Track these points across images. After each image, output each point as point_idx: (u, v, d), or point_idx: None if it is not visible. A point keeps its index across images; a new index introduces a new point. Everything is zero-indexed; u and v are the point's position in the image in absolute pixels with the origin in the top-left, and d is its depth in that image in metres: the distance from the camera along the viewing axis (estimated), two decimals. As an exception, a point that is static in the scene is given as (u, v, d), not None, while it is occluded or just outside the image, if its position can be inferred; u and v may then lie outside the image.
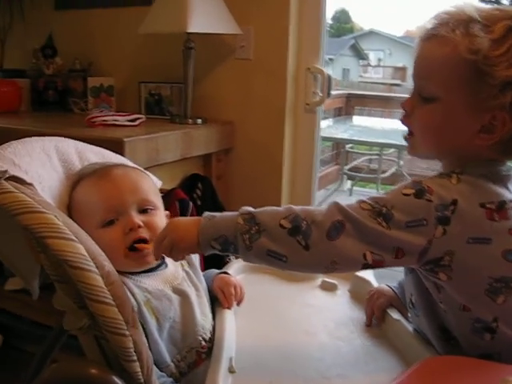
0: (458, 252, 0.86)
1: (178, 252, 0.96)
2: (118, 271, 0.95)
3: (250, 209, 0.93)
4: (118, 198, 1.03)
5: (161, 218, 1.09)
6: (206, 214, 0.95)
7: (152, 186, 1.13)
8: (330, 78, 2.12)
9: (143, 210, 1.05)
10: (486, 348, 0.92)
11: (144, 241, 1.02)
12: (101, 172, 1.09)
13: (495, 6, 0.93)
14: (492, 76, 0.85)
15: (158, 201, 1.10)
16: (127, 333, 0.82)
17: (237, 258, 1.03)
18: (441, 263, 0.88)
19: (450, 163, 0.96)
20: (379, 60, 18.96)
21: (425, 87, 0.94)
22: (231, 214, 0.94)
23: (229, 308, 1.13)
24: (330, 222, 0.86)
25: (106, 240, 0.99)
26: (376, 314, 1.16)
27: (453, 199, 0.86)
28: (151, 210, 1.07)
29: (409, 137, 0.99)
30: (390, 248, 0.86)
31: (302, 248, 0.86)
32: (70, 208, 1.07)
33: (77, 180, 1.10)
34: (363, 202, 0.89)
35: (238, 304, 1.17)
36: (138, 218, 1.03)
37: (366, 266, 0.88)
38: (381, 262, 0.87)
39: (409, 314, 1.11)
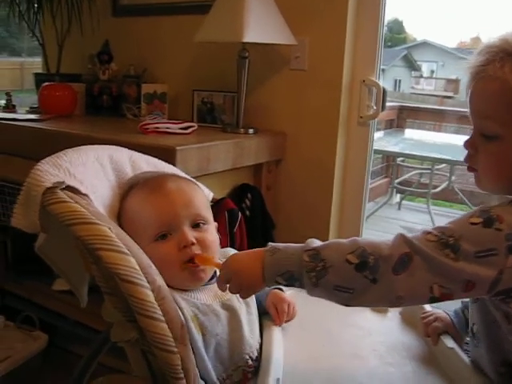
0: None
1: (248, 293, 0.97)
2: (168, 286, 0.95)
3: (315, 243, 0.92)
4: (171, 213, 1.02)
5: (212, 232, 1.08)
6: (269, 246, 0.94)
7: (204, 199, 1.13)
8: (385, 91, 2.08)
9: (195, 225, 1.05)
10: None
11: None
12: (154, 184, 1.08)
13: None
14: None
15: (209, 214, 1.10)
16: (175, 350, 0.81)
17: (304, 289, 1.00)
18: None
19: None
20: (432, 72, 18.65)
21: (485, 126, 0.91)
22: (295, 247, 0.92)
23: (280, 325, 1.12)
24: (397, 256, 0.84)
25: (159, 254, 0.99)
26: (431, 337, 1.13)
27: None
28: (203, 224, 1.06)
29: (475, 173, 0.97)
30: (458, 280, 0.83)
31: (370, 282, 0.84)
32: (120, 217, 1.07)
33: (128, 189, 1.10)
34: (429, 232, 0.86)
35: (288, 321, 1.15)
36: (192, 235, 1.02)
37: (433, 300, 0.85)
38: (449, 295, 0.84)
39: (466, 344, 1.07)
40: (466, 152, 0.97)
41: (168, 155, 1.60)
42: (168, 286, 0.96)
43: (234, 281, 0.94)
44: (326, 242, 0.91)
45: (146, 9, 2.51)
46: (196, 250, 1.02)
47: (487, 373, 0.97)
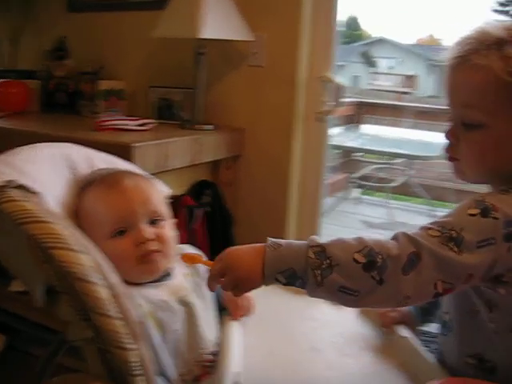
0: None
1: (242, 290, 0.93)
2: (123, 281, 0.95)
3: (319, 239, 0.89)
4: (128, 210, 1.02)
5: (170, 228, 1.08)
6: (270, 241, 0.91)
7: (161, 196, 1.13)
8: (341, 87, 2.10)
9: (153, 221, 1.05)
10: None
11: None
12: (111, 181, 1.07)
13: None
14: None
15: (166, 211, 1.10)
16: (132, 347, 0.81)
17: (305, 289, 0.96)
18: (502, 279, 0.87)
19: (500, 182, 0.93)
20: (389, 68, 18.94)
21: (468, 115, 0.92)
22: (298, 243, 0.89)
23: (238, 320, 1.12)
24: (405, 256, 0.83)
25: (116, 251, 0.99)
26: (387, 327, 1.15)
27: None
28: (160, 220, 1.06)
29: (456, 163, 0.98)
30: (462, 275, 0.84)
31: (376, 283, 0.82)
32: (77, 216, 1.06)
33: (84, 186, 1.09)
34: (429, 228, 0.86)
35: (246, 316, 1.15)
36: (149, 231, 1.02)
37: (436, 296, 0.85)
38: (450, 289, 0.85)
39: (423, 334, 1.09)
40: (445, 142, 0.98)
41: (125, 152, 1.59)
42: (125, 281, 0.96)
43: (230, 276, 0.90)
44: (331, 239, 0.89)
45: (103, 4, 2.48)
46: (153, 245, 1.02)
47: (452, 362, 0.98)
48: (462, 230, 0.84)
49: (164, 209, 1.09)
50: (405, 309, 1.17)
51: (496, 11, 16.94)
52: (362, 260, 0.83)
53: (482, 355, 0.93)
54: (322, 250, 0.86)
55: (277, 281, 0.88)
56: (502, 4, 16.68)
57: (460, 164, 0.97)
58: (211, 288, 0.97)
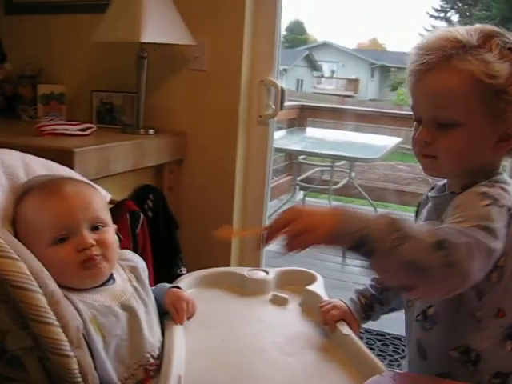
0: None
1: (307, 241, 0.85)
2: (64, 287, 0.95)
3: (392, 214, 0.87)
4: (69, 216, 1.02)
5: (112, 233, 1.08)
6: (342, 206, 0.90)
7: (102, 202, 1.12)
8: (283, 90, 2.13)
9: (94, 227, 1.04)
10: (505, 361, 0.95)
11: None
12: (51, 187, 1.06)
13: (477, 25, 1.00)
14: (507, 93, 0.93)
15: (108, 217, 1.10)
16: (71, 354, 0.80)
17: (371, 257, 0.84)
18: (497, 264, 0.90)
19: (474, 175, 0.98)
20: (332, 72, 19.24)
21: (444, 116, 0.96)
22: (372, 213, 0.89)
23: (180, 323, 1.12)
24: (463, 244, 0.82)
25: (58, 257, 0.98)
26: (328, 325, 1.17)
27: (510, 204, 0.91)
28: (102, 227, 1.06)
29: (430, 160, 1.01)
30: (494, 260, 0.87)
31: (443, 265, 0.80)
32: (16, 223, 1.04)
33: (23, 193, 1.07)
34: (460, 222, 0.86)
35: (189, 318, 1.16)
36: (90, 237, 1.02)
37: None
38: (481, 278, 0.87)
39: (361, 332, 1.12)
40: (420, 141, 1.00)
41: (66, 157, 1.57)
42: (67, 288, 0.97)
43: (298, 223, 0.84)
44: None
45: (41, 7, 2.43)
46: (95, 250, 1.02)
47: (434, 358, 1.00)
48: (490, 220, 0.87)
49: (105, 215, 1.09)
50: (345, 307, 1.19)
51: (432, 16, 17.51)
52: (432, 239, 0.81)
53: (467, 346, 0.96)
54: (395, 221, 0.83)
55: (343, 242, 0.83)
56: (437, 10, 17.25)
57: (436, 161, 1.00)
58: (268, 239, 0.90)
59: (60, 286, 0.96)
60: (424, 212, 1.11)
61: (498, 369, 0.96)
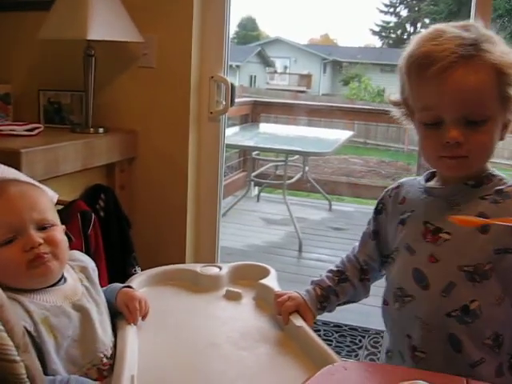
0: None
1: None
2: (15, 289, 0.96)
3: None
4: (15, 217, 1.01)
5: (60, 232, 1.08)
6: None
7: (49, 202, 1.11)
8: (233, 86, 2.13)
9: (42, 228, 1.04)
10: None
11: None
12: None
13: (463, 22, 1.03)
14: None
15: (55, 217, 1.09)
16: (18, 358, 0.78)
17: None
18: None
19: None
20: (285, 67, 19.31)
21: (477, 113, 0.97)
22: None
23: (134, 323, 1.12)
24: None
25: (5, 259, 0.98)
26: (283, 316, 1.17)
27: None
28: (50, 226, 1.05)
29: (459, 160, 1.00)
30: None
31: None
32: None
33: None
34: None
35: (143, 318, 1.15)
36: (38, 236, 1.02)
37: None
38: None
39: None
40: (451, 144, 0.99)
41: (13, 158, 1.54)
42: (17, 289, 0.97)
43: None
44: None
45: (-17, 5, 2.37)
46: (43, 249, 1.01)
47: (468, 348, 1.00)
48: None
49: (52, 215, 1.08)
50: (300, 298, 1.20)
51: (382, 12, 17.79)
52: None
53: (497, 332, 1.00)
54: None
55: None
56: (386, 5, 17.55)
57: (466, 160, 1.00)
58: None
59: (10, 288, 0.96)
60: (419, 205, 1.10)
61: None
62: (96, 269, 1.17)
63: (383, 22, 18.83)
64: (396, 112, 1.13)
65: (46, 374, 0.91)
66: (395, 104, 1.12)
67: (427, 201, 1.09)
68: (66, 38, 1.95)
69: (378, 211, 1.21)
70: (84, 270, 1.13)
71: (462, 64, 0.95)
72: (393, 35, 19.06)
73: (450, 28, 1.00)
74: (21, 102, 2.29)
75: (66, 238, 1.09)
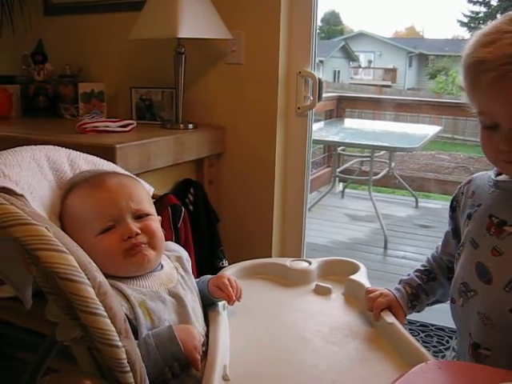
0: None
1: None
2: (112, 276, 1.00)
3: None
4: (114, 206, 1.05)
5: (156, 222, 1.11)
6: None
7: (145, 193, 1.15)
8: (320, 81, 2.12)
9: (138, 217, 1.07)
10: None
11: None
12: (95, 180, 1.10)
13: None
14: None
15: (151, 208, 1.12)
16: (120, 344, 0.82)
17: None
18: None
19: None
20: (369, 62, 19.02)
21: None
22: None
23: (229, 298, 1.13)
24: None
25: (103, 246, 1.02)
26: (374, 312, 1.16)
27: None
28: (146, 216, 1.08)
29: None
30: None
31: None
32: (63, 216, 1.08)
33: (69, 188, 1.11)
34: None
35: (238, 298, 1.16)
36: (135, 225, 1.05)
37: None
38: None
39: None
40: (501, 153, 0.97)
41: (108, 154, 1.59)
42: (115, 276, 1.01)
43: None
44: None
45: (79, 7, 2.48)
46: (140, 238, 1.05)
47: None
48: None
49: (149, 206, 1.12)
50: (391, 295, 1.19)
51: (471, 1, 17.13)
52: None
53: None
54: None
55: None
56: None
57: None
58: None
59: (108, 275, 0.99)
60: (486, 198, 1.07)
61: None
62: (190, 259, 1.20)
63: (472, 12, 18.13)
64: (465, 98, 1.06)
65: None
66: (462, 89, 1.06)
67: (494, 194, 1.06)
68: (157, 37, 2.01)
69: (452, 208, 1.19)
70: (179, 259, 1.17)
71: None
72: (482, 26, 18.33)
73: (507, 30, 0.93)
74: (114, 99, 2.39)
75: (162, 230, 1.12)
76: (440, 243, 1.24)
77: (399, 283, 1.23)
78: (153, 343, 0.94)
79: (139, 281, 1.05)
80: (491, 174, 1.10)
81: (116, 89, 2.39)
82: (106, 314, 0.81)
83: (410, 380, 0.87)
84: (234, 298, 1.14)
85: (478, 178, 1.15)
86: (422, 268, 1.24)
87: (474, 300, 1.03)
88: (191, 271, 1.17)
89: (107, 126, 1.93)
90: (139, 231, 1.05)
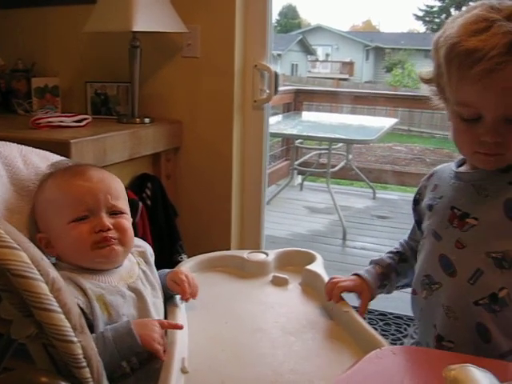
0: None
1: None
2: (77, 267, 1.03)
3: None
4: (92, 197, 1.06)
5: (129, 220, 1.12)
6: None
7: (123, 191, 1.15)
8: (276, 74, 2.13)
9: (112, 213, 1.08)
10: None
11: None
12: (76, 170, 1.11)
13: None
14: None
15: (126, 206, 1.13)
16: (75, 339, 0.81)
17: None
18: None
19: None
20: (327, 55, 19.16)
21: None
22: None
23: (184, 295, 1.14)
24: None
25: (74, 234, 1.04)
26: (334, 293, 1.17)
27: None
28: (120, 213, 1.10)
29: (496, 157, 0.98)
30: None
31: None
32: (38, 197, 1.10)
33: (49, 172, 1.13)
34: None
35: (194, 296, 1.17)
36: (108, 221, 1.06)
37: None
38: None
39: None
40: (489, 143, 0.96)
41: (63, 149, 1.58)
42: (80, 267, 1.04)
43: None
44: None
45: (30, 0, 2.42)
46: (112, 234, 1.06)
47: (498, 338, 0.98)
48: None
49: (125, 203, 1.13)
50: (358, 279, 1.20)
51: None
52: None
53: None
54: None
55: None
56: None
57: (502, 157, 0.97)
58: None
59: (71, 265, 1.04)
60: (447, 190, 1.08)
61: None
62: (153, 254, 1.20)
63: (427, 6, 18.48)
64: (426, 89, 1.07)
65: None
66: (427, 81, 1.06)
67: (455, 186, 1.06)
68: (112, 30, 1.99)
69: (415, 201, 1.19)
70: (142, 254, 1.18)
71: (506, 65, 0.88)
72: (437, 20, 18.68)
73: (501, 13, 0.91)
74: (69, 94, 2.35)
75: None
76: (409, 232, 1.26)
77: (370, 264, 1.24)
78: (110, 336, 0.95)
79: (99, 276, 1.05)
80: (453, 165, 1.11)
81: (71, 83, 2.36)
82: (60, 309, 0.80)
83: (364, 366, 0.89)
84: (188, 295, 1.15)
85: (441, 171, 1.15)
86: (395, 250, 1.25)
87: (438, 292, 1.04)
88: (154, 265, 1.18)
89: (62, 121, 1.90)
90: (111, 227, 1.06)
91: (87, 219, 1.05)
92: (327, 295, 1.19)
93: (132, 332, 0.96)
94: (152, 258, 1.19)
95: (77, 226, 1.04)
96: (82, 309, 0.96)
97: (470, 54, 0.90)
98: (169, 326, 1.02)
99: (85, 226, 1.04)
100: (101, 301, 1.00)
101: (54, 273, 0.84)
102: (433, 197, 1.11)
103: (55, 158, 1.25)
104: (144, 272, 1.13)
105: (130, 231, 1.11)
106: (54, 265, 1.05)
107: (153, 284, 1.13)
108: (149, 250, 1.21)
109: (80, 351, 0.82)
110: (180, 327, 1.02)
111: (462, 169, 1.08)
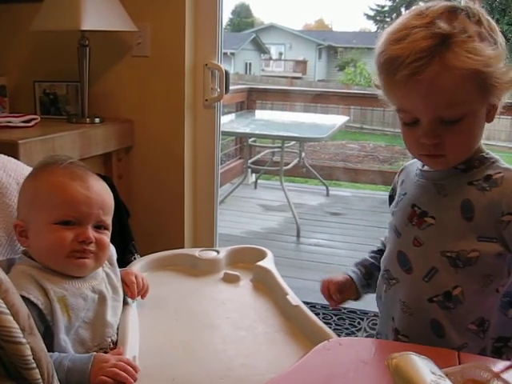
0: None
1: None
2: (36, 267, 1.02)
3: None
4: (86, 207, 1.04)
5: (109, 237, 1.10)
6: None
7: (113, 207, 1.13)
8: (227, 73, 2.15)
9: (98, 226, 1.07)
10: (507, 327, 1.03)
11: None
12: (77, 173, 1.07)
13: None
14: (496, 76, 0.93)
15: (110, 221, 1.11)
16: (24, 340, 0.80)
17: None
18: None
19: (472, 159, 1.01)
20: (280, 54, 19.25)
21: (451, 114, 0.95)
22: None
23: (132, 297, 1.15)
24: None
25: (55, 237, 1.02)
26: (331, 289, 1.18)
27: None
28: (104, 229, 1.08)
29: (439, 158, 1.00)
30: None
31: None
32: (28, 187, 1.08)
33: (46, 163, 1.10)
34: None
35: (143, 295, 1.18)
36: (92, 233, 1.05)
37: None
38: None
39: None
40: (427, 145, 0.98)
41: (10, 150, 1.56)
42: (47, 267, 1.03)
43: None
44: None
45: (-26, -2, 2.37)
46: (92, 247, 1.04)
47: (453, 334, 1.00)
48: None
49: (110, 219, 1.11)
50: (347, 277, 1.20)
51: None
52: None
53: (483, 317, 1.00)
54: None
55: None
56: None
57: (445, 158, 1.00)
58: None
59: (41, 263, 1.02)
60: (411, 188, 1.10)
61: (501, 334, 1.01)
62: (115, 254, 1.19)
63: (378, 5, 18.74)
64: (381, 95, 1.09)
65: (54, 351, 0.95)
66: (377, 87, 1.08)
67: (418, 183, 1.08)
68: (60, 29, 1.97)
69: (390, 198, 1.21)
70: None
71: (431, 66, 0.91)
72: (388, 19, 18.98)
73: (425, 19, 0.94)
74: (16, 93, 2.31)
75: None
76: None
77: (354, 266, 1.24)
78: (65, 367, 0.93)
79: (64, 277, 1.04)
80: (419, 163, 1.12)
81: (19, 83, 2.31)
82: (7, 310, 0.79)
83: (312, 358, 0.91)
84: (136, 296, 1.15)
85: (410, 166, 1.16)
86: (376, 249, 1.26)
87: (395, 288, 1.07)
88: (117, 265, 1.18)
89: (9, 122, 1.88)
90: (94, 240, 1.04)
91: (72, 225, 1.03)
92: (324, 294, 1.20)
93: (86, 371, 0.94)
94: (114, 258, 1.18)
95: (60, 230, 1.02)
96: (40, 309, 0.96)
97: (392, 61, 0.94)
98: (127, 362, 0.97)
99: (68, 233, 1.02)
100: (62, 302, 0.99)
101: (1, 274, 0.83)
102: (399, 193, 1.14)
103: (3, 159, 1.23)
104: (107, 274, 1.12)
105: (108, 249, 1.10)
106: (18, 258, 1.06)
107: (115, 287, 1.12)
108: (113, 251, 1.19)
109: (29, 352, 0.81)
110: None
111: (426, 167, 1.09)
